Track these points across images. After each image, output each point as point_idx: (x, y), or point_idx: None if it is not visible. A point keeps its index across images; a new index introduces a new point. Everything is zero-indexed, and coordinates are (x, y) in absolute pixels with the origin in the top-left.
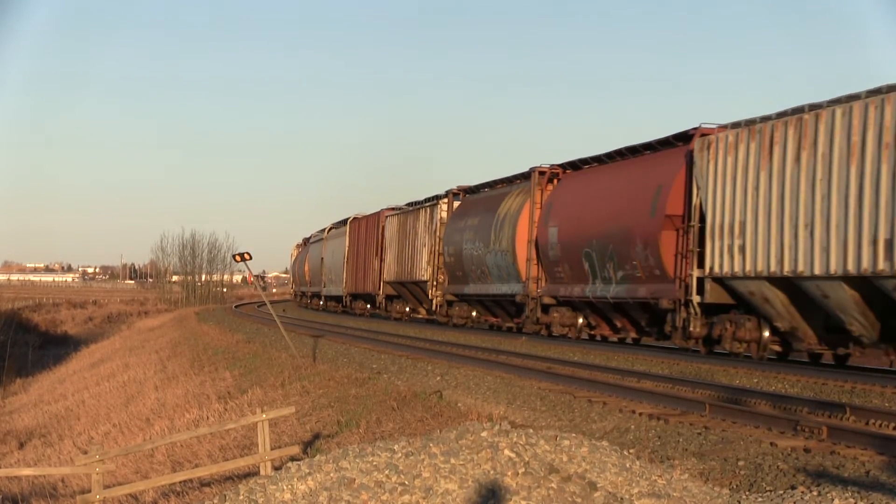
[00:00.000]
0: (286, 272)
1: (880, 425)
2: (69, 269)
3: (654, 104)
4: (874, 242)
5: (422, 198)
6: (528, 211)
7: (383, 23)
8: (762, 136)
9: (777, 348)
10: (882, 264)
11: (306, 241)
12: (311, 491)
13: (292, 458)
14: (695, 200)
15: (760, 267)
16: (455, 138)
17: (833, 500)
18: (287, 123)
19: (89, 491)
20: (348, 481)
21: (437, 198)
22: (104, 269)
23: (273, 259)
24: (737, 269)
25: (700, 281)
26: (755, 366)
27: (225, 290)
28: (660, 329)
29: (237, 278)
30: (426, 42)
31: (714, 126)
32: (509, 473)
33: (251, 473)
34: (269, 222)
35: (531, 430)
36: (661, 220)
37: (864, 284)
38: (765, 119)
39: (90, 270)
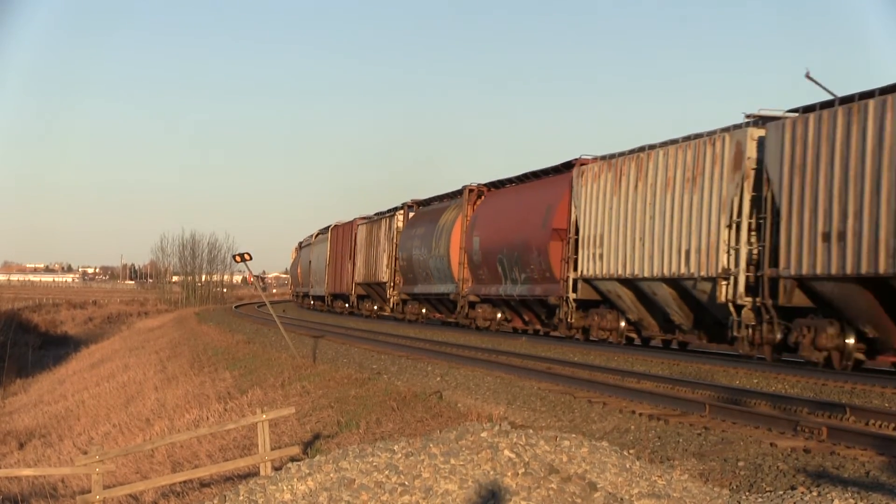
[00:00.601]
0: (286, 273)
1: (880, 426)
2: (69, 270)
3: (662, 104)
4: (680, 252)
5: (422, 199)
6: (460, 222)
7: (388, 22)
8: (616, 169)
9: (633, 335)
10: (683, 268)
11: (301, 245)
12: (311, 491)
13: (292, 459)
14: (573, 217)
15: (613, 270)
16: (457, 139)
17: (833, 500)
18: (288, 123)
19: (89, 491)
20: (348, 482)
21: (395, 209)
22: (104, 269)
23: (273, 259)
24: (599, 272)
25: (575, 282)
26: (755, 366)
27: (225, 290)
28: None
29: (237, 279)
30: (427, 42)
31: (590, 157)
32: (509, 474)
33: (251, 474)
34: (269, 223)
35: (531, 431)
36: (549, 233)
37: (676, 284)
38: (619, 154)
39: (90, 271)
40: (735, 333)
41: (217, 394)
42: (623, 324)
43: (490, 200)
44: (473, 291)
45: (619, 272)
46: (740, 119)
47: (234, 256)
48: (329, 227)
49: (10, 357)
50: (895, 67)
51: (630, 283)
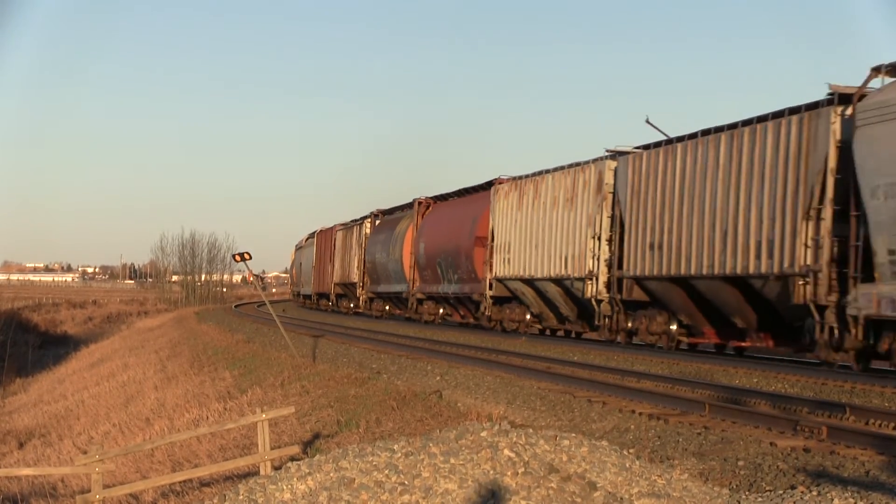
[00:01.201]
0: (286, 272)
1: (880, 425)
2: (69, 269)
3: (659, 103)
4: (562, 257)
5: (386, 208)
6: (411, 231)
7: (388, 21)
8: (520, 188)
9: (538, 326)
10: (564, 271)
11: (296, 247)
12: (311, 491)
13: (292, 458)
14: (491, 227)
15: (518, 272)
16: (458, 138)
17: (833, 499)
18: (288, 123)
19: (89, 491)
20: (348, 481)
21: (364, 217)
22: (104, 268)
23: (273, 259)
24: (508, 273)
25: (491, 281)
26: (755, 366)
27: (224, 289)
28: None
29: (237, 278)
30: (429, 41)
31: (505, 178)
32: (509, 473)
33: (251, 473)
34: (268, 222)
35: (531, 430)
36: (474, 240)
37: (561, 283)
38: (524, 177)
39: (90, 270)
40: (597, 322)
41: (217, 393)
42: (528, 316)
43: (434, 212)
44: (420, 290)
45: (522, 273)
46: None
47: (233, 256)
48: (315, 231)
49: (10, 356)
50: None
51: (530, 282)
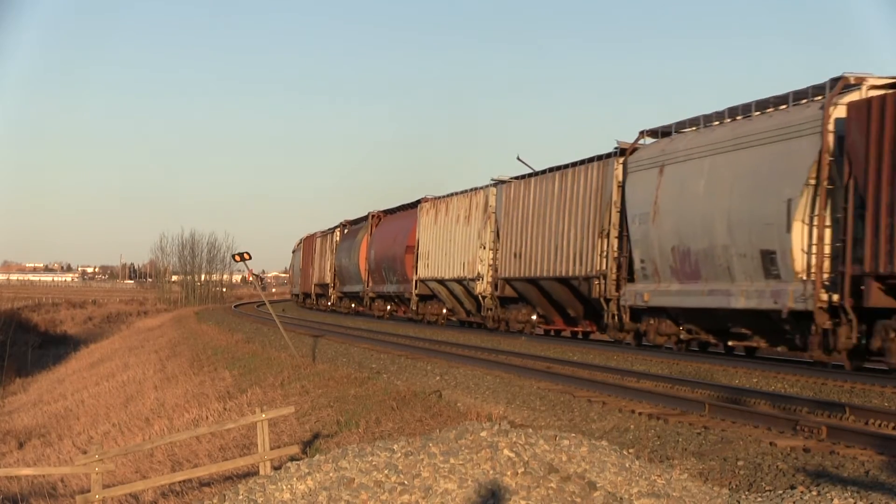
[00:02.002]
0: (285, 272)
1: (880, 425)
2: (69, 269)
3: (656, 101)
4: (462, 262)
5: (352, 219)
6: (366, 239)
7: (383, 22)
8: (437, 206)
9: (452, 319)
10: (464, 273)
11: (293, 250)
12: (311, 491)
13: (292, 458)
14: (417, 237)
15: (434, 274)
16: (457, 139)
17: (832, 499)
18: (287, 123)
19: (89, 491)
20: (348, 481)
21: (335, 227)
22: (104, 268)
23: (273, 259)
24: (428, 275)
25: (416, 282)
26: (754, 366)
27: (224, 289)
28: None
29: (236, 278)
30: (430, 41)
31: (430, 197)
32: (509, 473)
33: (251, 473)
34: (268, 222)
35: (530, 430)
36: (405, 248)
37: (461, 283)
38: (442, 196)
39: (90, 270)
40: (483, 314)
41: (216, 393)
42: (444, 310)
43: (382, 223)
44: (372, 290)
45: (438, 275)
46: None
47: (233, 256)
48: (303, 238)
49: (10, 356)
50: (894, 67)
51: (442, 282)
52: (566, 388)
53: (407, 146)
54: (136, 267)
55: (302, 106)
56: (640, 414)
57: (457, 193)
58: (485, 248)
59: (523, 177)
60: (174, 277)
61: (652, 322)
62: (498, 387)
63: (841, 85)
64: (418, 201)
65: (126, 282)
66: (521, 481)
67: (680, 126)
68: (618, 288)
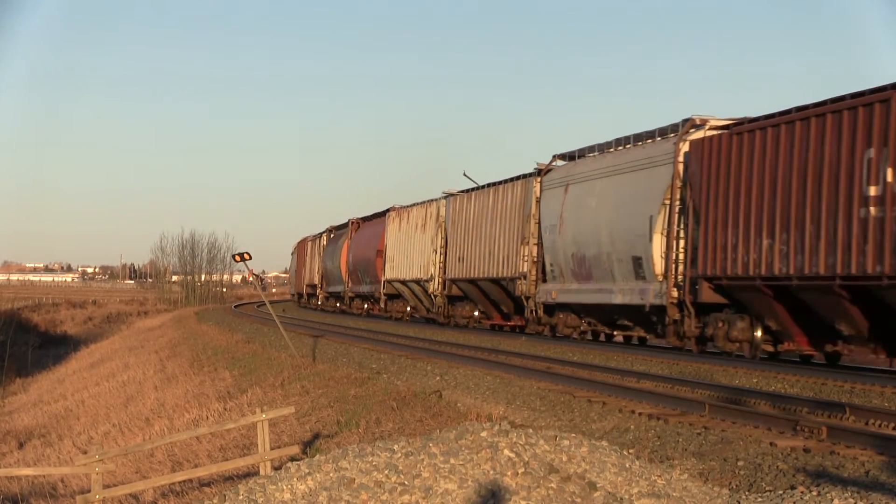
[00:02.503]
0: (285, 272)
1: (880, 425)
2: (69, 269)
3: (655, 100)
4: (419, 265)
5: (336, 225)
6: (346, 244)
7: (385, 22)
8: (400, 215)
9: (416, 315)
10: (420, 275)
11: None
12: (311, 491)
13: (292, 458)
14: (384, 243)
15: (398, 276)
16: (456, 138)
17: (833, 500)
18: (288, 123)
19: (89, 491)
20: (348, 481)
21: (322, 232)
22: (104, 269)
23: (272, 259)
24: (393, 276)
25: (385, 282)
26: (754, 366)
27: (224, 289)
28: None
29: (237, 278)
30: (430, 40)
31: (397, 206)
32: (509, 473)
33: (251, 473)
34: (268, 222)
35: (531, 430)
36: (376, 252)
37: (418, 283)
38: (406, 206)
39: (90, 270)
40: (434, 311)
41: (217, 393)
42: (408, 308)
43: (359, 230)
44: (351, 290)
45: (400, 277)
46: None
47: (233, 256)
48: (297, 241)
49: (10, 356)
50: (894, 66)
51: (404, 282)
52: (566, 388)
53: (408, 146)
54: (136, 267)
55: (302, 105)
56: (640, 414)
57: (416, 204)
58: (436, 252)
59: (468, 191)
60: (174, 277)
61: (561, 316)
62: (498, 387)
63: (689, 125)
64: (388, 210)
65: (126, 282)
66: (522, 481)
67: (582, 152)
68: (536, 287)
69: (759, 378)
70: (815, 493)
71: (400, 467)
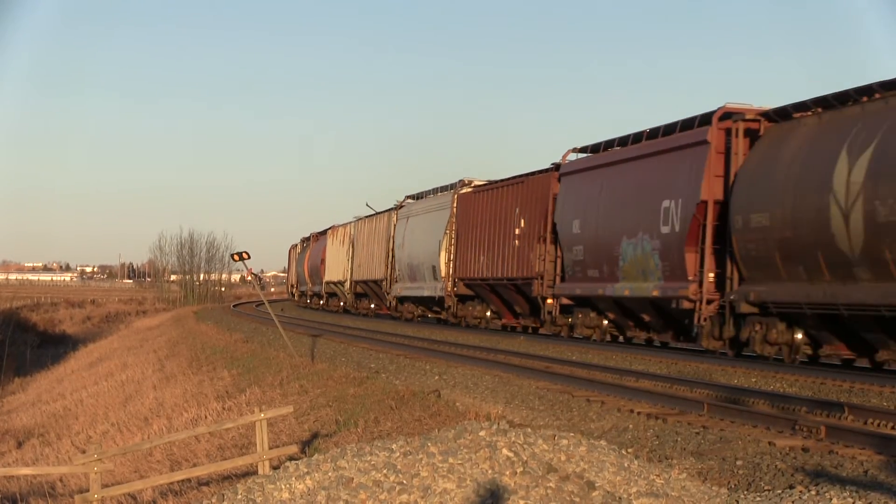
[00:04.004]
0: (284, 272)
1: (879, 425)
2: (67, 269)
3: (652, 97)
4: (371, 268)
5: (319, 231)
6: (308, 253)
7: (384, 21)
8: (335, 232)
9: (346, 308)
10: (377, 276)
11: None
12: (310, 490)
13: (290, 458)
14: (327, 253)
15: (332, 278)
16: (454, 138)
17: (831, 499)
18: (287, 123)
19: (87, 490)
20: (346, 480)
21: (305, 238)
22: (102, 268)
23: (271, 258)
24: (330, 279)
25: (325, 283)
26: (754, 365)
27: (223, 289)
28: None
29: (235, 277)
30: (430, 39)
31: (336, 224)
32: (507, 473)
33: (249, 473)
34: (267, 222)
35: (529, 430)
36: (320, 260)
37: (376, 283)
38: (339, 225)
39: (88, 270)
40: (348, 305)
41: (215, 393)
42: (342, 303)
43: (317, 241)
44: (311, 289)
45: (333, 279)
46: None
47: (232, 255)
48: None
49: (9, 356)
50: (894, 66)
51: (335, 283)
52: (565, 387)
53: (407, 146)
54: (134, 266)
55: (302, 106)
56: (638, 413)
57: (338, 225)
58: (349, 261)
59: (365, 217)
60: (173, 277)
61: (465, 306)
62: (497, 386)
63: (460, 184)
64: (330, 227)
65: (125, 281)
66: (520, 481)
67: (420, 194)
68: (390, 286)
69: (758, 378)
70: (813, 493)
71: (398, 467)
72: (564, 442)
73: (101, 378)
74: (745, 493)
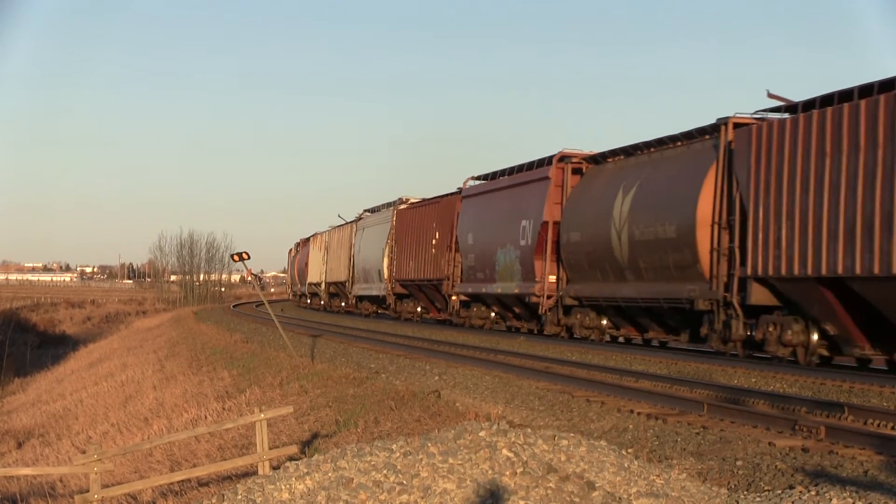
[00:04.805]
0: (284, 272)
1: (878, 425)
2: (67, 269)
3: (654, 98)
4: (341, 271)
5: (307, 236)
6: (298, 257)
7: (383, 21)
8: (316, 239)
9: (325, 305)
10: (318, 280)
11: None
12: (310, 490)
13: (290, 458)
14: (309, 257)
15: (314, 280)
16: (451, 138)
17: (831, 499)
18: (287, 124)
19: (87, 490)
20: (346, 481)
21: (296, 243)
22: (102, 268)
23: (271, 259)
24: (312, 280)
25: (308, 284)
26: (753, 366)
27: (223, 289)
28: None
29: (235, 278)
30: (429, 39)
31: (318, 232)
32: (507, 473)
33: (249, 473)
34: (266, 222)
35: (529, 430)
36: (305, 264)
37: (318, 286)
38: (321, 232)
39: (88, 270)
40: (326, 304)
41: (215, 393)
42: (321, 301)
43: (305, 246)
44: (299, 289)
45: (314, 280)
46: None
47: (232, 256)
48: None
49: (9, 356)
50: (893, 65)
51: (315, 284)
52: (565, 387)
53: (407, 146)
54: (134, 267)
55: (302, 106)
56: (638, 414)
57: (318, 233)
58: (324, 265)
59: (335, 227)
60: (173, 277)
61: (404, 303)
62: (497, 387)
63: (399, 202)
64: (313, 234)
65: (125, 282)
66: (520, 481)
67: (375, 209)
68: (351, 286)
69: (758, 378)
70: (813, 493)
71: (398, 467)
72: (564, 442)
73: (101, 378)
74: (745, 493)
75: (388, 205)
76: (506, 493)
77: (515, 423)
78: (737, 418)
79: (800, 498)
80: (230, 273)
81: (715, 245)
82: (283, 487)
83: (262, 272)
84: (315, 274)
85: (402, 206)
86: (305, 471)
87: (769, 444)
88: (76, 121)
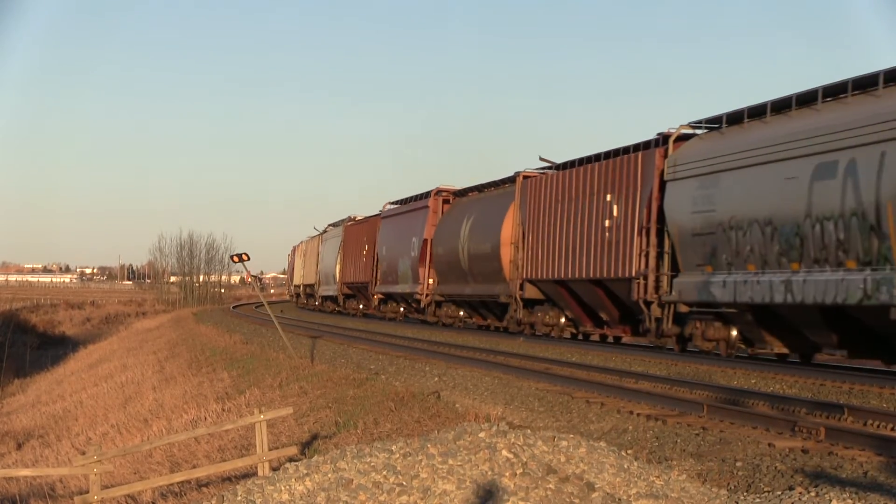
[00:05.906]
0: (283, 273)
1: (878, 426)
2: (67, 270)
3: (646, 99)
4: (299, 275)
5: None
6: (290, 260)
7: (383, 21)
8: (303, 246)
9: (314, 304)
10: (305, 282)
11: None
12: (309, 491)
13: (290, 459)
14: (295, 262)
15: (301, 282)
16: (448, 137)
17: (831, 500)
18: (287, 124)
19: (87, 492)
20: (346, 482)
21: (297, 245)
22: (102, 269)
23: (271, 260)
24: (300, 282)
25: (295, 285)
26: (753, 366)
27: (223, 290)
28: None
29: (235, 279)
30: (428, 39)
31: (305, 239)
32: (507, 474)
33: (249, 474)
34: (266, 223)
35: (529, 431)
36: (293, 267)
37: (308, 286)
38: (309, 238)
39: (88, 271)
40: (316, 302)
41: (215, 394)
42: (317, 303)
43: (296, 250)
44: (293, 290)
45: (302, 282)
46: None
47: (231, 257)
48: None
49: (9, 357)
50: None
51: (302, 285)
52: (564, 388)
53: (408, 146)
54: (134, 268)
55: (302, 107)
56: (638, 415)
57: (305, 240)
58: (302, 269)
59: (317, 234)
60: (172, 278)
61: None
62: (496, 388)
63: (348, 218)
64: (299, 242)
65: (124, 283)
66: (520, 482)
67: (336, 223)
68: (317, 287)
69: (758, 379)
70: (813, 494)
71: (398, 468)
72: (564, 443)
73: (101, 379)
74: (745, 494)
75: (342, 221)
76: (505, 494)
77: (515, 424)
78: (736, 419)
79: (799, 499)
80: (230, 274)
81: (511, 258)
82: (282, 488)
83: (261, 273)
84: (298, 277)
85: (349, 223)
86: (305, 472)
87: (769, 445)
88: (76, 121)
